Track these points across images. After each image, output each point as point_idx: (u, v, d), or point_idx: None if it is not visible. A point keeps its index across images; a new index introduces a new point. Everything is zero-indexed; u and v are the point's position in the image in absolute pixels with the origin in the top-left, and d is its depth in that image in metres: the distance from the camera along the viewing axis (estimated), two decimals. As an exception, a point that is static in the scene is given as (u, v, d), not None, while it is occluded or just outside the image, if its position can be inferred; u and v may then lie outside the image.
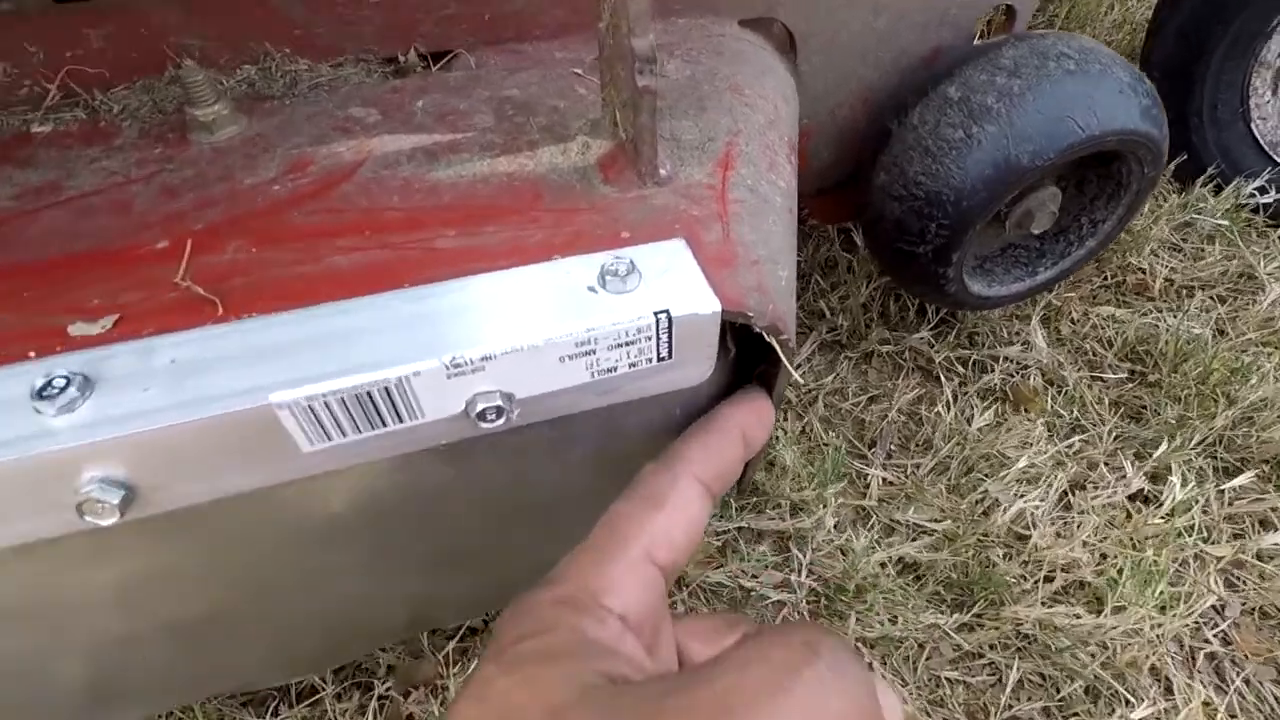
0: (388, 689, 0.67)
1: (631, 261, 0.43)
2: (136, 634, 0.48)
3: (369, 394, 0.39)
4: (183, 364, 0.39)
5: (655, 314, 0.41)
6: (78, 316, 0.42)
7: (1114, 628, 0.71)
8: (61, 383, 0.37)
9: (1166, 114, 1.30)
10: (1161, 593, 0.73)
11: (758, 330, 0.46)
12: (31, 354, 0.40)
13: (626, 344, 0.42)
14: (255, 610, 0.51)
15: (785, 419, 0.95)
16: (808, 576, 0.80)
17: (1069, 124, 0.69)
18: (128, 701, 0.52)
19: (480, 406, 0.41)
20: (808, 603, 0.79)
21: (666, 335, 0.42)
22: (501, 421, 0.42)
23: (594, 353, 0.42)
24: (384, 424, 0.41)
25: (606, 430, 0.51)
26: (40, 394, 0.37)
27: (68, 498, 0.37)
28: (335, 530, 0.48)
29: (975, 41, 0.79)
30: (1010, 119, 0.70)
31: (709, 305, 0.42)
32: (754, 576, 0.83)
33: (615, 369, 0.43)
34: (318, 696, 0.68)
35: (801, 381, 0.48)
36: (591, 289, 0.42)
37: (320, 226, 0.48)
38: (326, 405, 0.39)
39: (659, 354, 0.43)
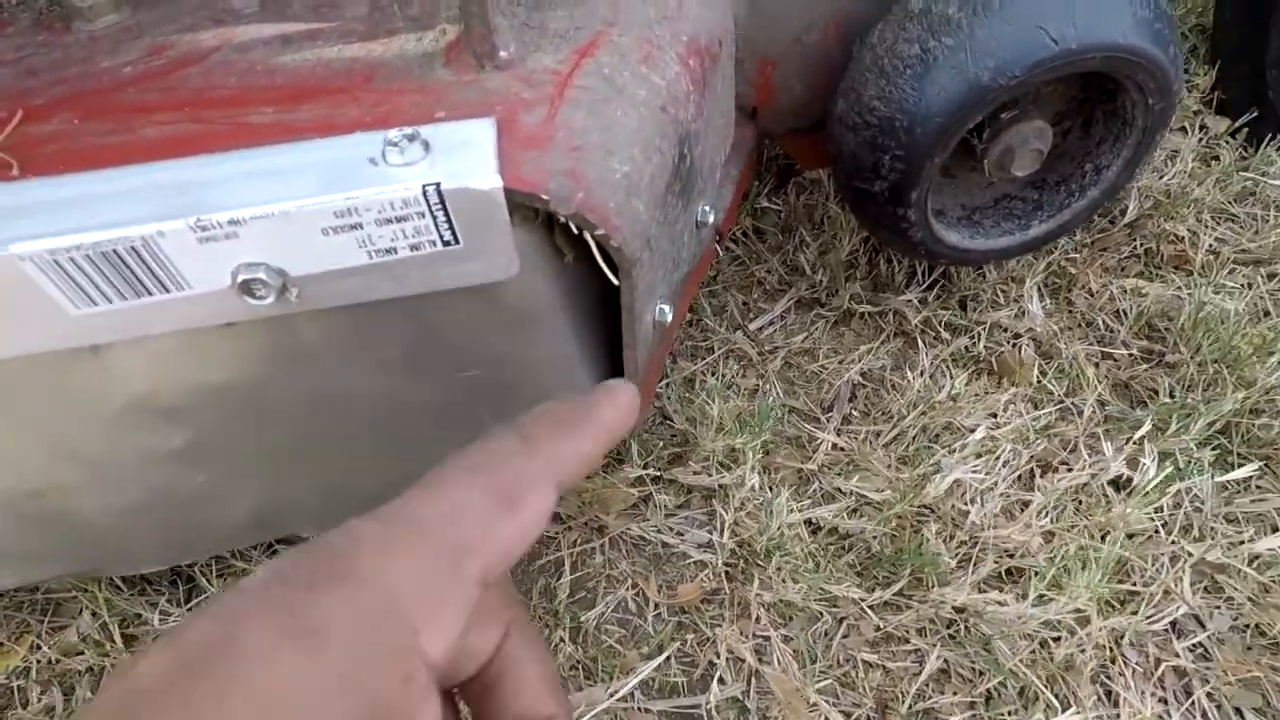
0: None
1: (417, 134, 0.39)
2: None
3: (116, 253, 0.37)
4: (-48, 217, 0.39)
5: (424, 186, 0.38)
6: (-112, 172, 0.43)
7: (1038, 618, 0.62)
8: None
9: (1241, 66, 1.14)
10: (1096, 583, 0.63)
11: (563, 219, 0.41)
12: None
13: (398, 220, 0.39)
14: (87, 487, 0.51)
15: (741, 373, 0.89)
16: (730, 536, 0.74)
17: (1040, 36, 0.60)
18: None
19: (243, 277, 0.39)
20: (725, 564, 0.73)
21: (443, 213, 0.39)
22: (273, 299, 0.40)
23: (361, 227, 0.39)
24: (149, 291, 0.39)
25: (424, 334, 0.48)
26: None
27: None
28: (147, 411, 0.47)
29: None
30: (971, 30, 0.61)
31: (487, 181, 0.38)
32: (678, 533, 0.78)
33: (394, 250, 0.40)
34: (205, 594, 0.69)
35: (615, 281, 0.43)
36: (372, 161, 0.39)
37: (146, 103, 0.47)
38: (74, 262, 0.37)
39: (441, 236, 0.40)
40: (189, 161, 0.40)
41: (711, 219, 0.68)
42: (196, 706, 0.16)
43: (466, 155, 0.39)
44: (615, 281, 0.44)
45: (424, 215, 0.38)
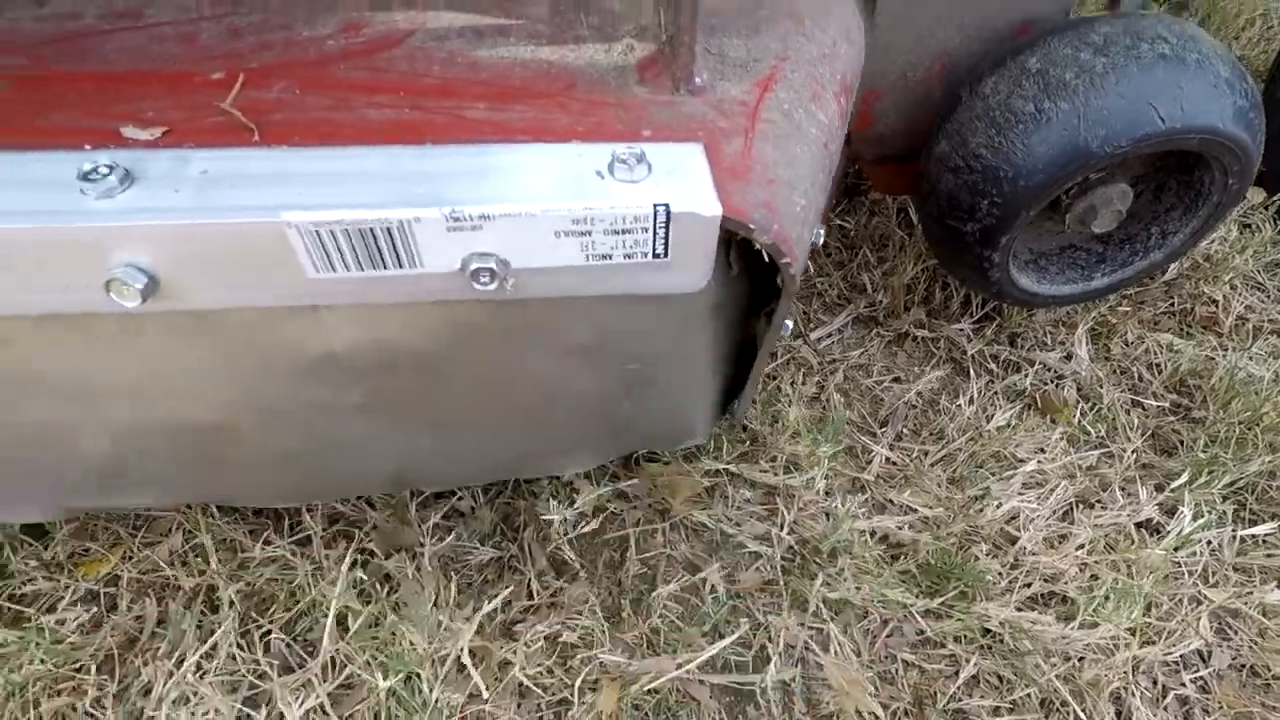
0: (369, 544, 0.72)
1: (643, 154, 0.44)
2: (146, 426, 0.53)
3: (372, 231, 0.41)
4: (213, 175, 0.42)
5: (655, 206, 0.42)
6: (132, 122, 0.46)
7: (1080, 641, 0.69)
8: (105, 171, 0.41)
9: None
10: (1136, 617, 0.70)
11: (759, 246, 0.46)
12: (86, 146, 0.44)
13: (622, 231, 0.43)
14: (256, 428, 0.55)
15: (802, 380, 0.95)
16: (789, 533, 0.80)
17: (1149, 113, 0.65)
18: (131, 487, 0.57)
19: (475, 266, 0.43)
20: (783, 559, 0.79)
21: (664, 230, 0.43)
22: (494, 286, 0.44)
23: (589, 234, 0.43)
24: (385, 266, 0.43)
25: (603, 329, 0.53)
26: (86, 177, 0.41)
27: (98, 275, 0.41)
28: (338, 368, 0.51)
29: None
30: (1086, 98, 0.66)
31: (710, 208, 0.43)
32: (736, 524, 0.84)
33: (610, 256, 0.44)
34: (306, 534, 0.73)
35: (799, 309, 0.48)
36: (600, 174, 0.43)
37: (361, 82, 0.50)
38: (332, 234, 0.41)
39: (654, 249, 0.44)
40: (430, 150, 0.44)
41: (821, 240, 0.73)
42: None
43: (686, 179, 0.43)
44: (796, 302, 0.49)
45: (646, 230, 0.43)
